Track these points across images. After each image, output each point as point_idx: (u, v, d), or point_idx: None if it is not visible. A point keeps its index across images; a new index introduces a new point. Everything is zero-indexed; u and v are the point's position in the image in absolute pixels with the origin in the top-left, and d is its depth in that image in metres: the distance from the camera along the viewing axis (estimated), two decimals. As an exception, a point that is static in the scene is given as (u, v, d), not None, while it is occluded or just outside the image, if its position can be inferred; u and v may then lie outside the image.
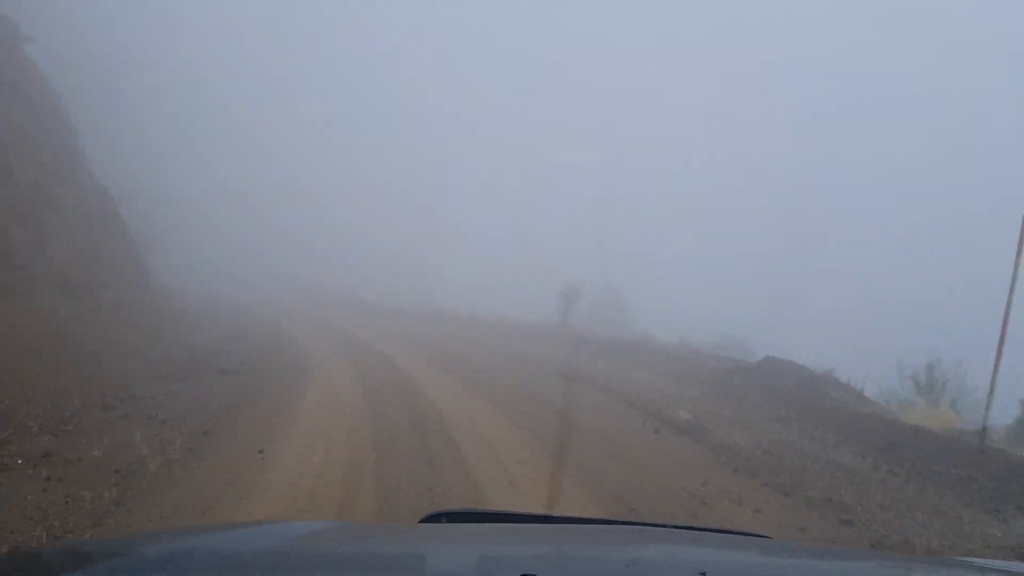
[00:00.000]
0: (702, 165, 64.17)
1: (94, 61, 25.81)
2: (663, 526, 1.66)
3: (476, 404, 8.06)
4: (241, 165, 42.76)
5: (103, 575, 0.93)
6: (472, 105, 64.69)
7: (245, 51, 47.77)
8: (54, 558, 1.13)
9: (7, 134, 9.60)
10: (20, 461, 4.60)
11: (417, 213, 46.82)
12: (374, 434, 6.03)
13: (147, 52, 32.53)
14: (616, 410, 8.51)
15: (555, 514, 1.89)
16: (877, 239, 56.87)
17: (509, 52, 72.60)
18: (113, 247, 12.39)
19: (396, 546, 1.28)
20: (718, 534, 1.69)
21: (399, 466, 5.12)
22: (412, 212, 46.62)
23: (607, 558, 1.23)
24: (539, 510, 4.06)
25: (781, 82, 71.77)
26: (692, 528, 1.93)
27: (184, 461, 4.88)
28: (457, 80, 66.62)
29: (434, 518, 1.57)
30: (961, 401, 12.12)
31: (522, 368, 11.76)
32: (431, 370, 10.72)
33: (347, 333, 16.38)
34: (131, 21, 31.59)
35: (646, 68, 73.71)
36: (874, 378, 12.42)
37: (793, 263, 48.78)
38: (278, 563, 1.04)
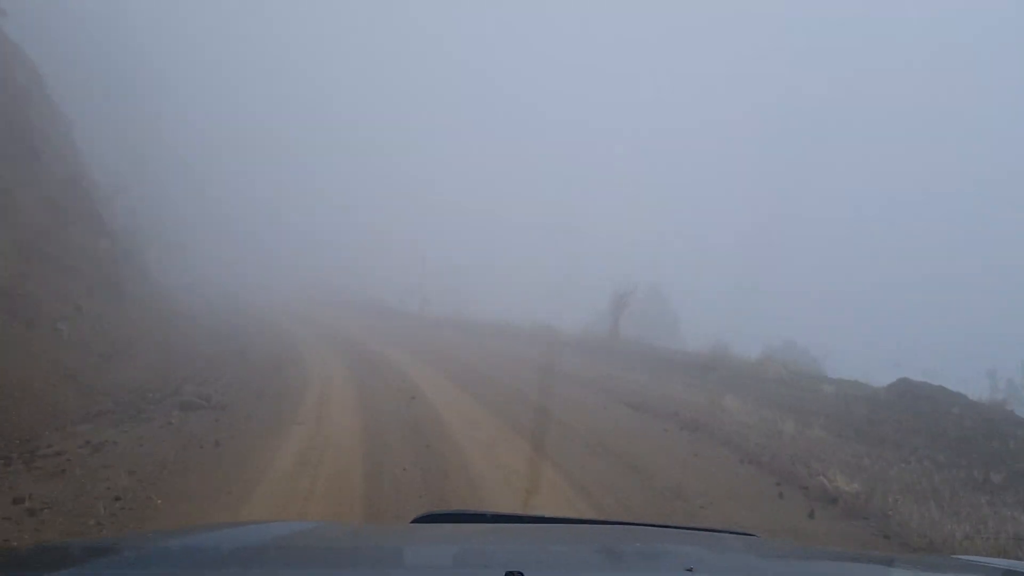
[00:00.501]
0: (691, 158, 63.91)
1: (103, 59, 24.31)
2: (651, 525, 1.66)
3: (534, 466, 5.56)
4: (265, 167, 41.52)
5: (86, 574, 0.94)
6: (486, 100, 64.46)
7: (265, 51, 46.93)
8: (36, 557, 1.07)
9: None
10: None
11: (442, 211, 45.05)
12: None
13: (163, 54, 31.20)
14: (727, 467, 5.90)
15: (546, 515, 1.81)
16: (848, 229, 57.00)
17: (527, 49, 72.75)
18: (81, 247, 10.30)
19: (379, 543, 1.24)
20: (704, 532, 1.61)
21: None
22: (436, 211, 44.84)
23: (594, 556, 1.20)
24: None
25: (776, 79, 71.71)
26: (679, 527, 1.71)
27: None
28: (472, 78, 66.32)
29: (426, 519, 1.54)
30: None
31: (581, 396, 9.21)
32: (457, 400, 8.28)
33: (363, 347, 14.04)
34: (144, 22, 30.30)
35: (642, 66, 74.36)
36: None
37: (762, 254, 48.02)
38: (253, 559, 1.01)
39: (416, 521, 1.52)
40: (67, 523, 3.65)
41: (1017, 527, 4.62)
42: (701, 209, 57.51)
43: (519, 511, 4.25)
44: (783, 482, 5.39)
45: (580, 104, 69.12)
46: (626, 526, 1.75)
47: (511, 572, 0.89)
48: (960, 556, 1.27)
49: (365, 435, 6.14)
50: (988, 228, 53.09)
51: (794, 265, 52.34)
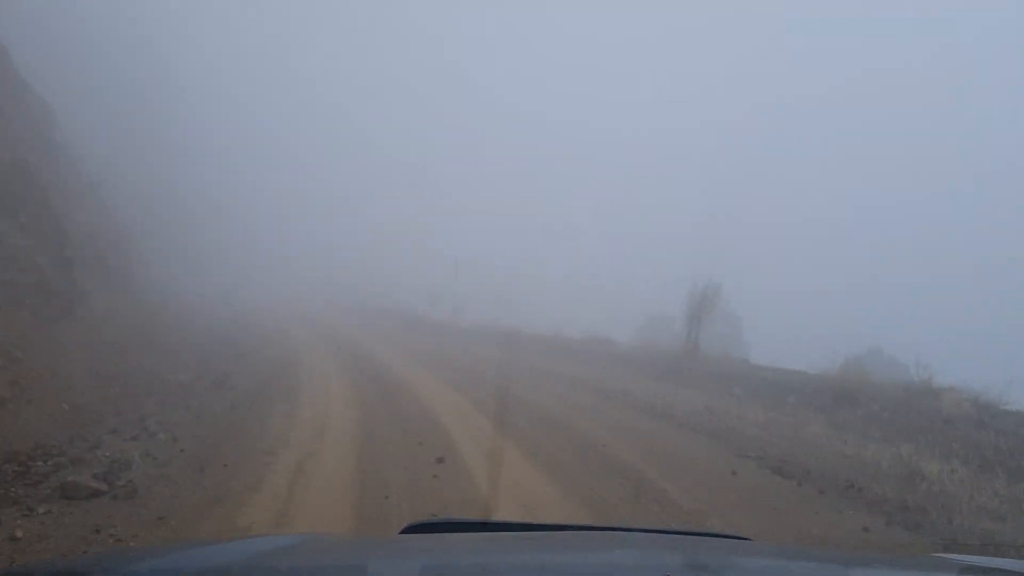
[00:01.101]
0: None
1: (104, 59, 22.61)
2: (644, 531, 1.60)
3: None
4: (271, 169, 40.27)
5: None
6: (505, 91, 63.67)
7: (268, 52, 46.21)
8: None
9: None
10: None
11: (441, 211, 43.10)
12: None
13: (170, 56, 29.71)
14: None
15: (536, 522, 1.61)
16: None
17: (527, 50, 72.40)
18: (7, 249, 7.89)
19: (347, 557, 1.19)
20: (696, 537, 1.58)
21: None
22: (435, 211, 42.88)
23: (580, 563, 1.18)
24: None
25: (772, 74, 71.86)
26: (672, 532, 1.72)
27: None
28: (473, 78, 65.66)
29: (417, 528, 1.47)
30: None
31: (691, 449, 6.27)
32: (507, 462, 5.46)
33: (377, 367, 11.32)
34: (151, 23, 28.86)
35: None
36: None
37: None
38: None
39: (406, 531, 1.43)
40: None
41: None
42: (700, 209, 55.77)
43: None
44: None
45: (580, 104, 68.95)
46: (620, 531, 1.57)
47: None
48: (955, 556, 1.16)
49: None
50: (987, 227, 51.72)
51: (793, 265, 51.34)
